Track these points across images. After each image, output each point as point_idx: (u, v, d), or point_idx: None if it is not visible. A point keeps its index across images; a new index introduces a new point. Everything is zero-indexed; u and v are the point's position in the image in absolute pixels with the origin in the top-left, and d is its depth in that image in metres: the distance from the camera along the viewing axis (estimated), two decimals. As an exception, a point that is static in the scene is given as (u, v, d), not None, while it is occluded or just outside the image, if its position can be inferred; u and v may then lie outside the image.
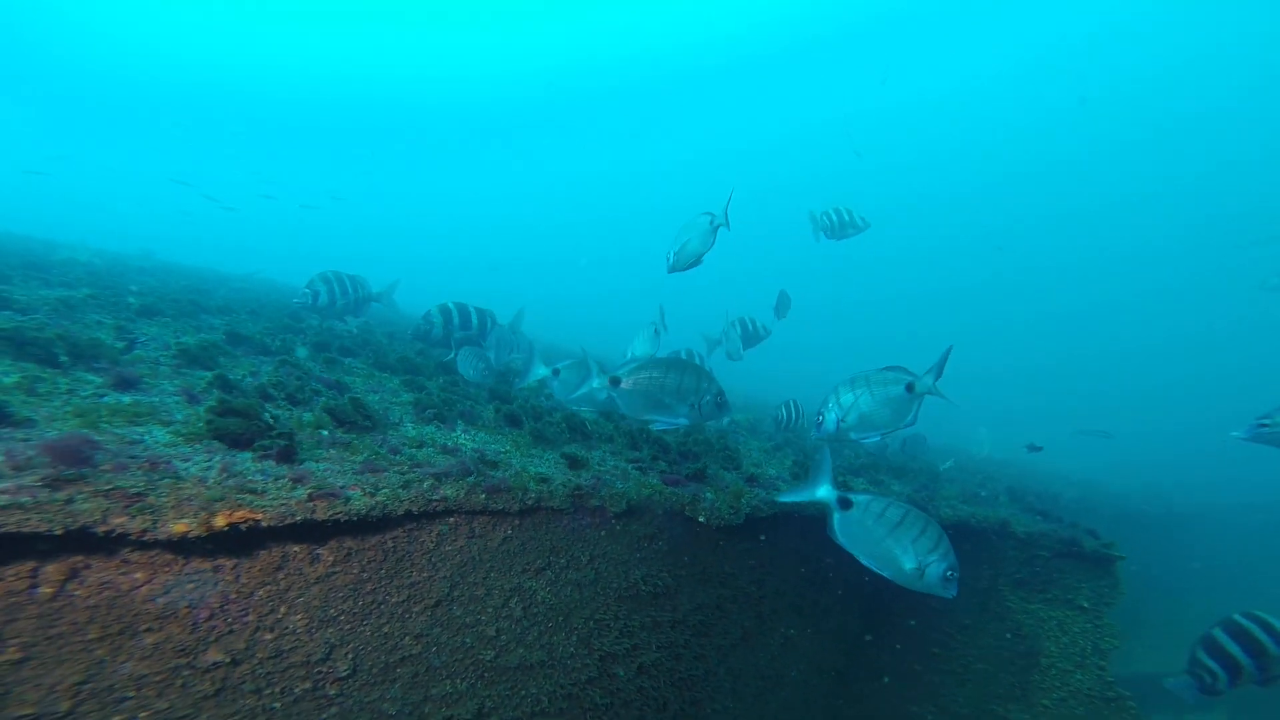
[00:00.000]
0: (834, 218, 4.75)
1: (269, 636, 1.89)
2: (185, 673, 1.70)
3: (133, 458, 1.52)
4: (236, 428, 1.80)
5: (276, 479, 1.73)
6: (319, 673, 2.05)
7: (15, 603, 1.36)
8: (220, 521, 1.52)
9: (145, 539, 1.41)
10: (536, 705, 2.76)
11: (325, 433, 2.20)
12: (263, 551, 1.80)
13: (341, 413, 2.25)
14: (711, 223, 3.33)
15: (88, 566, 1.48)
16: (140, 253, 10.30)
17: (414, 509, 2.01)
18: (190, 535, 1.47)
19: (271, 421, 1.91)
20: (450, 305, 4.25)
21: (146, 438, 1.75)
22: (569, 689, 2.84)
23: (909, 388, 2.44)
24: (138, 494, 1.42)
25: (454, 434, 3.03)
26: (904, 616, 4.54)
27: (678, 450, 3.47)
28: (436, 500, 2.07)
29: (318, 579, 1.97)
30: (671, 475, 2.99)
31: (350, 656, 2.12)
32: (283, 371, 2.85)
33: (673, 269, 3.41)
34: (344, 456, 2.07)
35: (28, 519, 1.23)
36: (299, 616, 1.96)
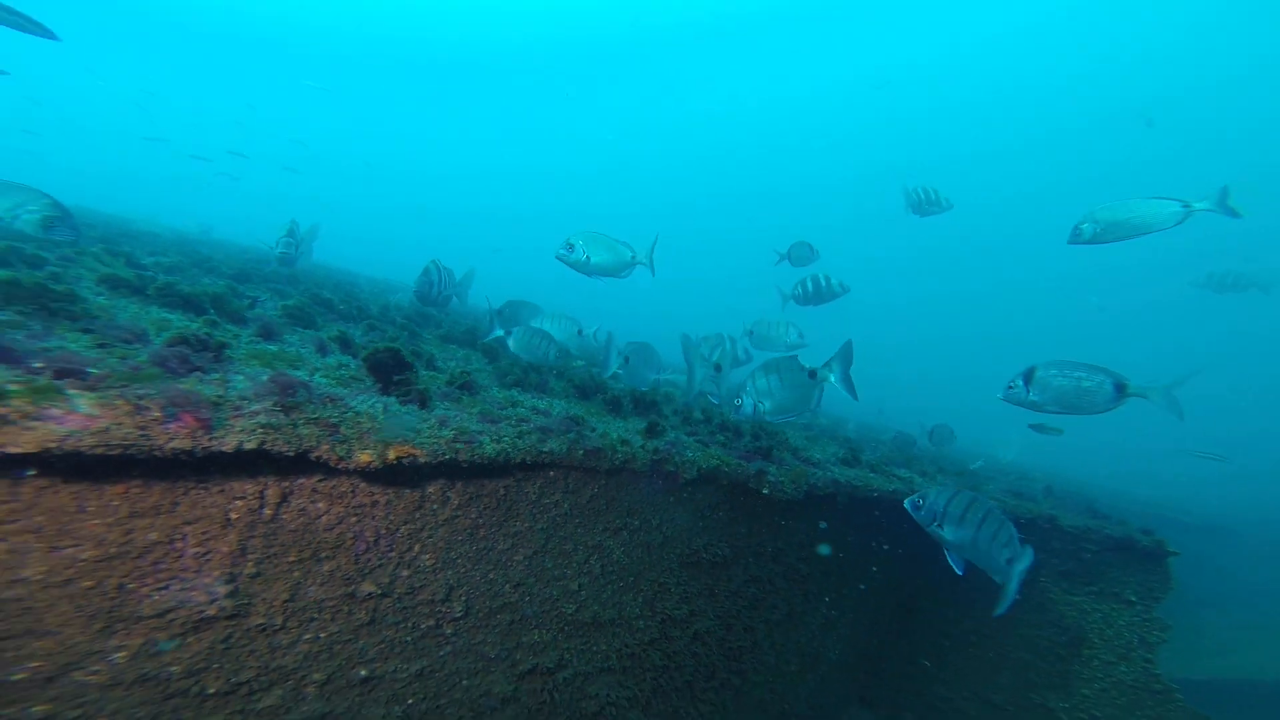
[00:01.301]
0: (922, 195, 5.01)
1: (406, 573, 2.20)
2: (349, 601, 2.00)
3: (317, 394, 1.82)
4: (386, 368, 2.11)
5: (424, 421, 2.03)
6: (440, 612, 2.36)
7: (252, 520, 1.67)
8: (393, 455, 1.81)
9: (340, 466, 1.71)
10: (605, 661, 3.07)
11: (448, 389, 2.51)
12: (407, 490, 2.10)
13: (455, 375, 2.55)
14: (633, 258, 3.78)
15: (292, 493, 1.78)
16: (200, 228, 10.80)
17: (527, 459, 2.30)
18: (371, 466, 1.77)
19: (410, 369, 2.21)
20: (435, 264, 4.35)
21: (311, 378, 2.05)
22: (633, 648, 3.14)
23: (811, 374, 2.89)
24: (334, 424, 1.72)
25: (535, 399, 3.34)
26: (941, 605, 4.82)
27: (734, 429, 3.76)
28: (545, 453, 2.36)
29: (445, 521, 2.27)
30: (738, 449, 3.28)
31: (464, 599, 2.43)
32: (373, 335, 3.16)
33: (576, 264, 3.68)
34: (462, 408, 2.38)
35: (276, 438, 1.53)
36: (428, 556, 2.26)
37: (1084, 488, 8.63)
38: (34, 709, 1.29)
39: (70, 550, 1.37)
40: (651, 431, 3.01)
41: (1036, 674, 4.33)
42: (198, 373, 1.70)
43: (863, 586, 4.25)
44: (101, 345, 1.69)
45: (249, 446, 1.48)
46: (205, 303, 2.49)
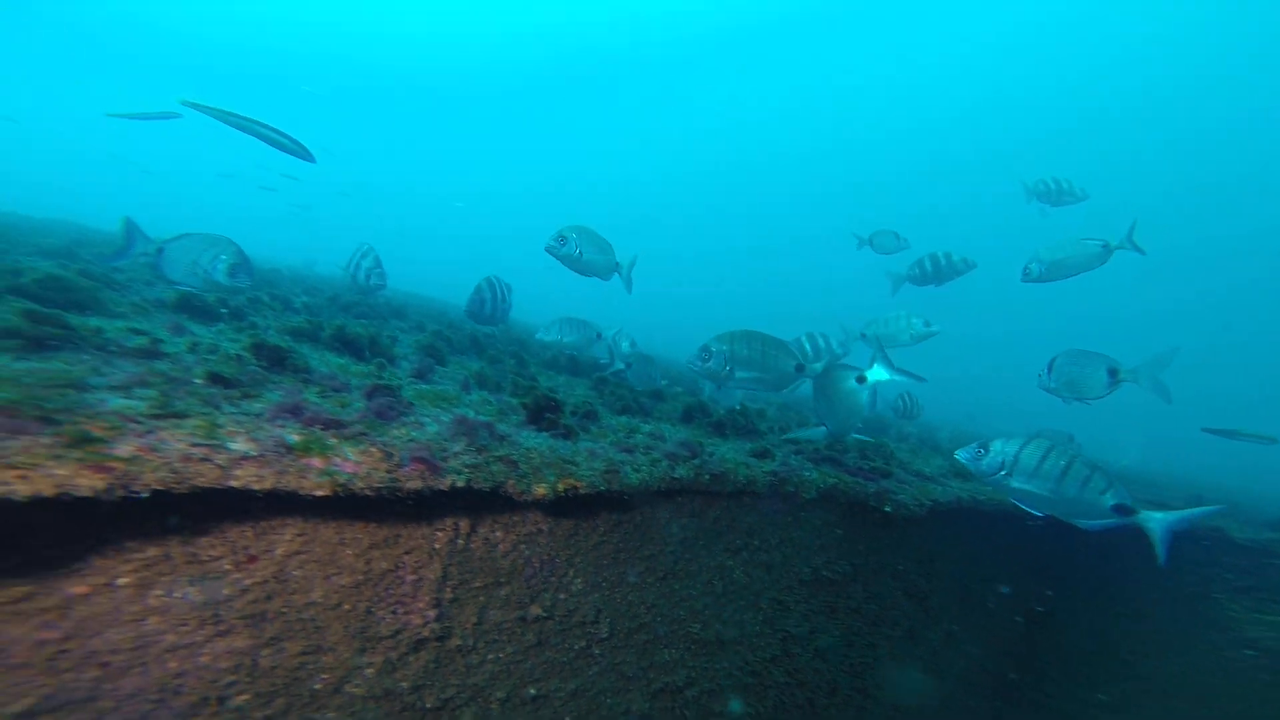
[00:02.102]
0: (1052, 185, 4.94)
1: (563, 596, 2.43)
2: (521, 623, 2.25)
3: (495, 434, 2.10)
4: (540, 408, 2.38)
5: (577, 454, 2.27)
6: (590, 633, 2.57)
7: (451, 549, 1.95)
8: (561, 487, 2.06)
9: (520, 499, 1.96)
10: (729, 678, 3.18)
11: (574, 419, 2.76)
12: (564, 519, 2.34)
13: (579, 405, 2.82)
14: (619, 271, 3.82)
15: (479, 524, 2.06)
16: (304, 262, 11.87)
17: (661, 486, 2.50)
18: (545, 499, 2.01)
19: (559, 409, 2.47)
20: (489, 281, 4.42)
21: (476, 417, 2.35)
22: (755, 665, 3.25)
23: (798, 368, 3.05)
24: (515, 461, 1.98)
25: (645, 424, 3.56)
26: (1081, 618, 4.59)
27: (840, 448, 3.83)
28: (676, 479, 2.56)
29: (592, 546, 2.50)
30: (853, 468, 3.35)
31: (609, 620, 2.63)
32: (496, 368, 3.50)
33: (566, 258, 3.64)
34: (600, 439, 2.61)
35: (478, 476, 1.80)
36: (580, 580, 2.49)
37: (1235, 494, 7.89)
38: (329, 715, 1.58)
39: (336, 578, 1.67)
40: (762, 454, 3.15)
41: (1224, 702, 4.01)
42: (399, 418, 2.01)
43: (990, 604, 4.16)
44: (322, 395, 2.04)
45: (459, 485, 1.75)
46: (363, 345, 2.88)
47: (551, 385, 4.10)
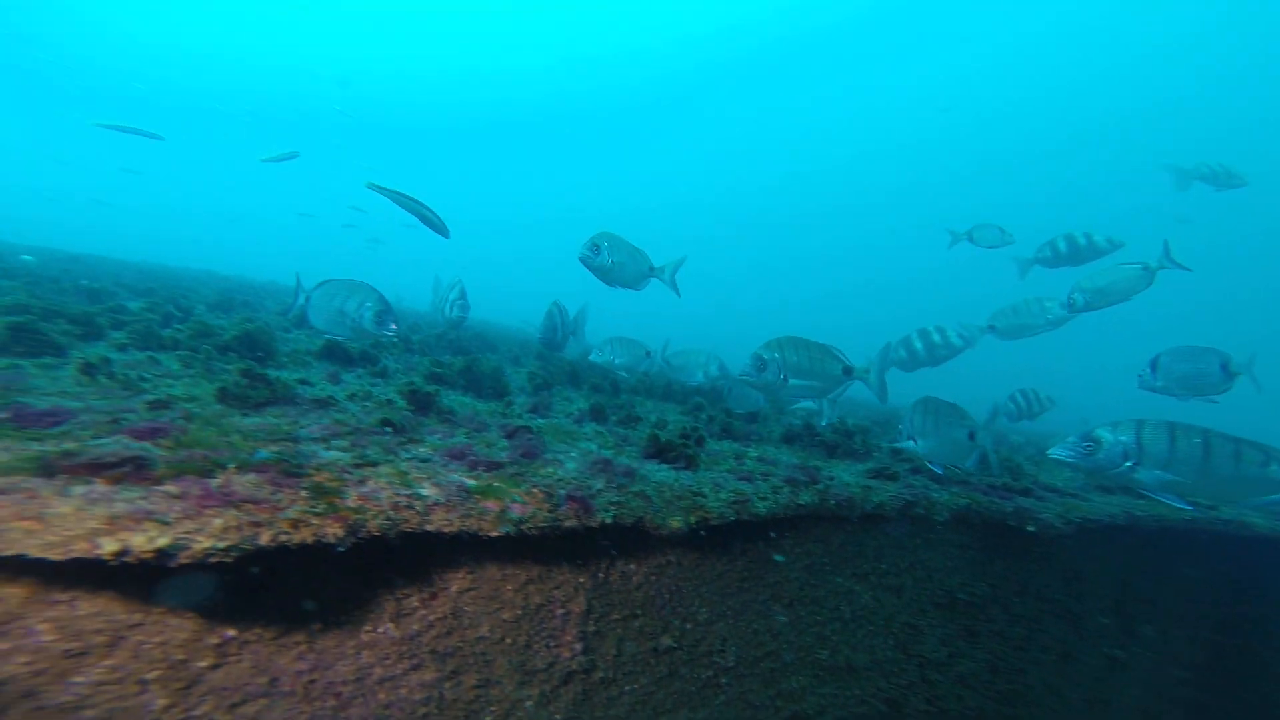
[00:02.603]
0: (1216, 170, 4.60)
1: (689, 626, 2.49)
2: (653, 655, 2.33)
3: (623, 468, 2.21)
4: (663, 445, 2.47)
5: (702, 484, 2.33)
6: (715, 662, 2.61)
7: (593, 584, 2.08)
8: (694, 519, 2.12)
9: (656, 533, 2.04)
10: (862, 705, 3.08)
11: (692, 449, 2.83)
12: (691, 550, 2.41)
13: (688, 431, 2.89)
14: (658, 275, 3.60)
15: (617, 557, 2.17)
16: (394, 298, 13.15)
17: (786, 513, 2.50)
18: (679, 531, 2.08)
19: (682, 442, 2.55)
20: (558, 307, 4.32)
21: (600, 452, 2.48)
22: (890, 692, 3.12)
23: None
24: (648, 496, 2.08)
25: (751, 449, 3.56)
26: None
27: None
28: (801, 506, 2.54)
29: (718, 575, 2.53)
30: (984, 486, 3.17)
31: (734, 649, 2.65)
32: (598, 396, 3.64)
33: (599, 269, 3.44)
34: (717, 468, 2.66)
35: (622, 512, 1.91)
36: (704, 610, 2.54)
37: None
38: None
39: (499, 612, 1.83)
40: (883, 475, 3.05)
41: None
42: (540, 456, 2.16)
43: (1150, 628, 3.74)
44: (470, 436, 2.24)
45: (607, 522, 1.86)
46: (486, 383, 3.11)
47: (644, 412, 4.22)
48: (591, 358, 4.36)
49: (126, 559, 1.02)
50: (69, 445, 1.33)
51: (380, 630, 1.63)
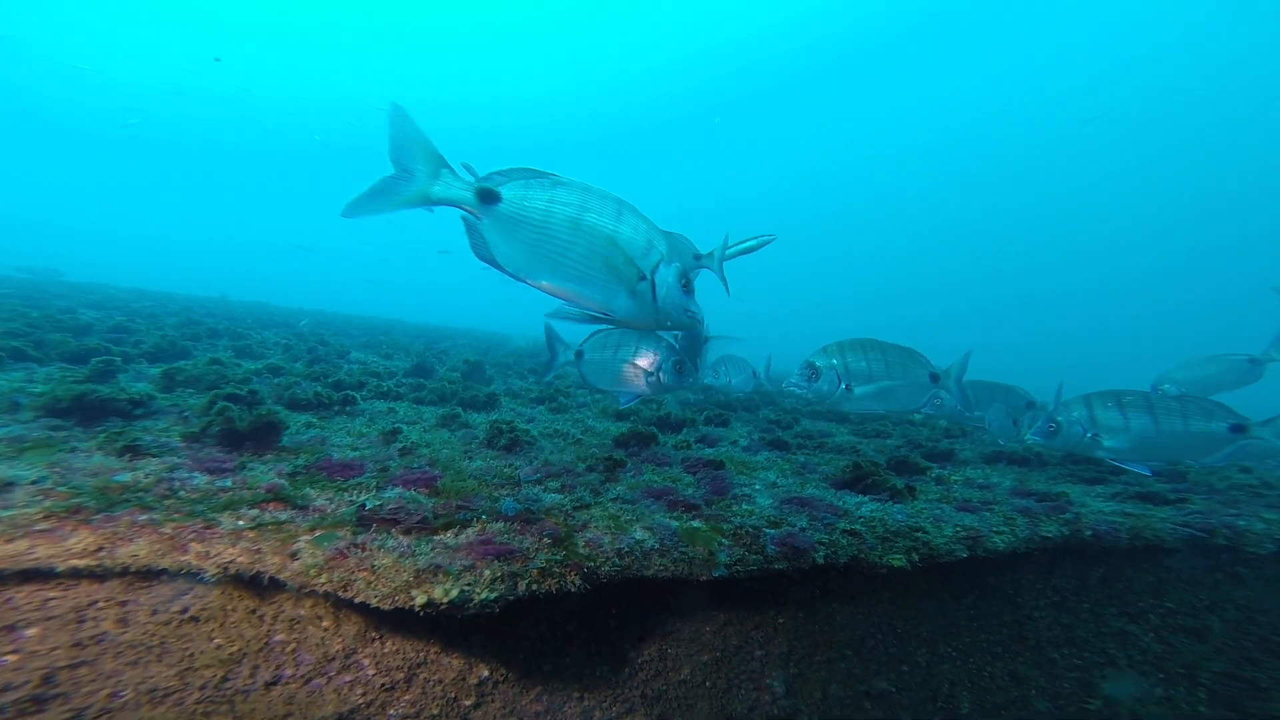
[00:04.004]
0: None
1: (905, 668, 2.26)
2: (866, 698, 2.16)
3: (825, 504, 2.09)
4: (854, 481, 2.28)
5: (919, 517, 2.11)
6: (945, 708, 2.32)
7: (793, 624, 2.00)
8: (917, 556, 1.91)
9: (874, 571, 1.88)
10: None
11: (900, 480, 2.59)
12: (902, 586, 2.19)
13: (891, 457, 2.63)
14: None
15: (818, 594, 2.06)
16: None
17: (1028, 547, 2.15)
18: (898, 569, 1.89)
19: (877, 471, 2.35)
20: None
21: (783, 481, 2.39)
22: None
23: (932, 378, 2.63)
24: (859, 533, 1.93)
25: (954, 472, 3.17)
26: None
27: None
28: (1045, 539, 2.17)
29: (939, 613, 2.26)
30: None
31: (968, 695, 2.34)
32: (764, 428, 3.49)
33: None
34: (930, 499, 2.39)
35: (832, 551, 1.80)
36: (923, 651, 2.28)
37: None
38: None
39: (699, 655, 1.85)
40: (1149, 499, 2.48)
41: None
42: (730, 493, 2.14)
43: None
44: (656, 471, 2.30)
45: (819, 562, 1.76)
46: (652, 428, 3.19)
47: (819, 431, 3.97)
48: (706, 380, 4.26)
49: (429, 610, 1.21)
50: (369, 500, 1.63)
51: (597, 673, 1.73)
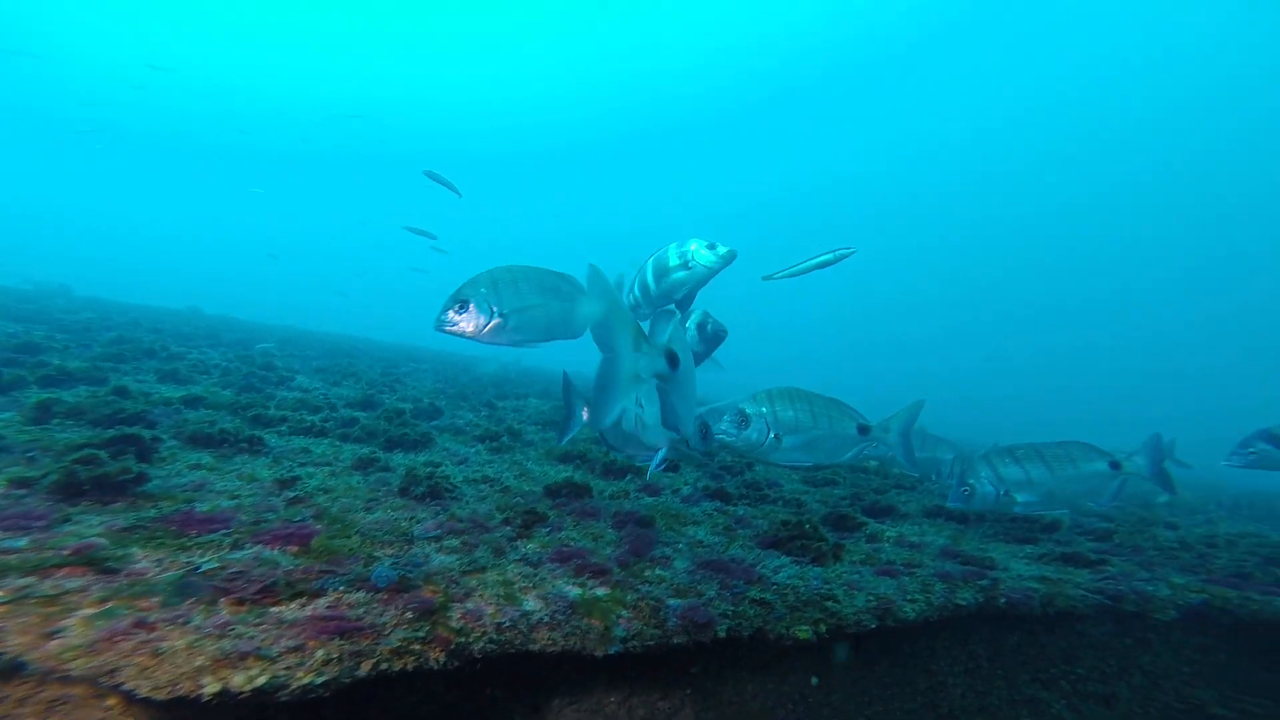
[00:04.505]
0: None
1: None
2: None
3: (741, 570, 2.05)
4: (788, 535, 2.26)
5: (832, 584, 2.08)
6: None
7: (703, 692, 1.94)
8: (823, 629, 1.88)
9: (775, 644, 1.84)
10: None
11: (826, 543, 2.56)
12: (818, 655, 2.15)
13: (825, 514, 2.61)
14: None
15: (726, 667, 2.01)
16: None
17: (942, 615, 2.13)
18: (806, 643, 1.86)
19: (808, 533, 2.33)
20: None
21: (710, 539, 2.34)
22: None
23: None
24: (769, 603, 1.89)
25: (889, 527, 3.18)
26: None
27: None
28: (960, 607, 2.16)
29: (852, 683, 2.23)
30: (1225, 575, 2.47)
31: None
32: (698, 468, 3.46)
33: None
34: (850, 561, 2.37)
35: (737, 625, 1.76)
36: None
37: None
38: None
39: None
40: (1068, 561, 2.51)
41: None
42: (650, 552, 2.09)
43: None
44: (578, 526, 2.23)
45: (720, 636, 1.72)
46: (592, 477, 3.13)
47: (758, 478, 3.96)
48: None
49: (225, 699, 1.09)
50: (208, 561, 1.51)
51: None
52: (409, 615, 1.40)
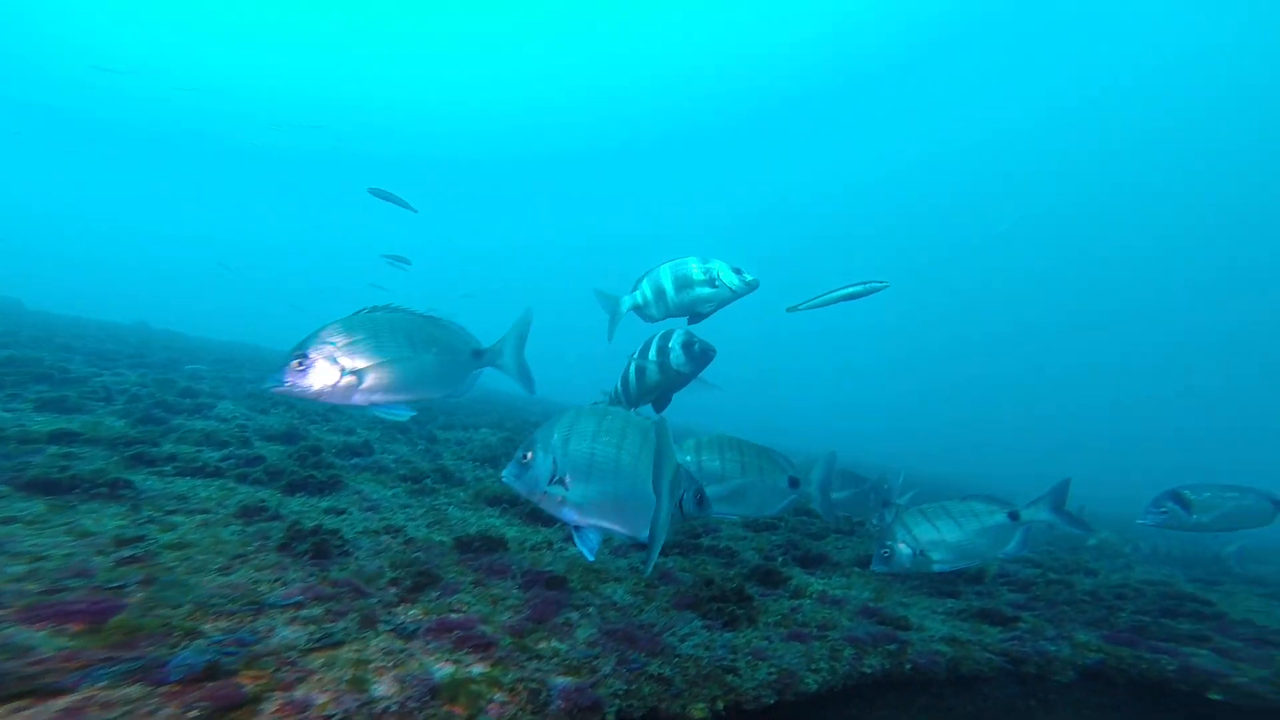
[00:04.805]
0: None
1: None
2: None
3: (647, 639, 1.98)
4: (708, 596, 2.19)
5: (738, 656, 2.03)
6: None
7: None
8: (720, 705, 1.82)
9: (677, 722, 1.77)
10: None
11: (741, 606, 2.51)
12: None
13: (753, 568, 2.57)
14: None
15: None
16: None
17: (848, 684, 2.10)
18: None
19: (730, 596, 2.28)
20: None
21: (627, 601, 2.26)
22: None
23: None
24: (668, 679, 1.82)
25: (815, 580, 3.15)
26: None
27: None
28: (866, 675, 2.13)
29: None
30: (1127, 631, 2.53)
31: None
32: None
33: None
34: (764, 626, 2.33)
35: (629, 705, 1.68)
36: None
37: None
38: None
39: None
40: (983, 617, 2.53)
41: None
42: (554, 618, 1.99)
43: None
44: (478, 583, 2.12)
45: (612, 717, 1.63)
46: (512, 528, 3.01)
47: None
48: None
49: None
50: None
51: None
52: (199, 711, 1.24)
